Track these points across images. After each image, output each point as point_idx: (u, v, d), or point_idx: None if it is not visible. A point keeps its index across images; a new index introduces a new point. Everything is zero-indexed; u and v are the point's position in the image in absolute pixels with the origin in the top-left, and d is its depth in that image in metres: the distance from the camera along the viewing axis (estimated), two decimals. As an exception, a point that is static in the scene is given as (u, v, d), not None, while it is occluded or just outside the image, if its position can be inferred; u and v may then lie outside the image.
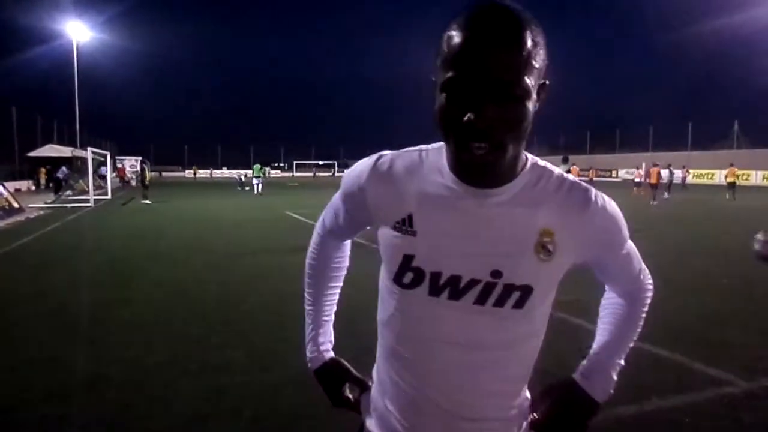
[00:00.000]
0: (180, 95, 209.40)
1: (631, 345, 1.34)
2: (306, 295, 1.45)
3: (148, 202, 24.03)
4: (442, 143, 1.09)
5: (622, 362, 1.32)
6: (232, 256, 10.24)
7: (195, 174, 75.07)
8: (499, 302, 1.04)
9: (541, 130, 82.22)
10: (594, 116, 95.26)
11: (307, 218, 16.72)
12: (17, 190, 28.60)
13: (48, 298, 6.96)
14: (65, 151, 40.27)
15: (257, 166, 33.58)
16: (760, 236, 4.45)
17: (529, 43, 0.93)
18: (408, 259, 1.07)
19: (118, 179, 43.73)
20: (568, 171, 14.62)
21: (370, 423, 1.24)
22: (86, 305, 6.53)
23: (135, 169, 36.11)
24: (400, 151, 1.16)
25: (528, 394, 1.22)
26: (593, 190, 1.10)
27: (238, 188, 37.17)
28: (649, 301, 1.34)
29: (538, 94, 0.99)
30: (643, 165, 30.98)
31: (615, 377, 1.31)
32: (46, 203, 22.94)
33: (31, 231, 14.02)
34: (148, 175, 27.52)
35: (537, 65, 0.95)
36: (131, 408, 3.79)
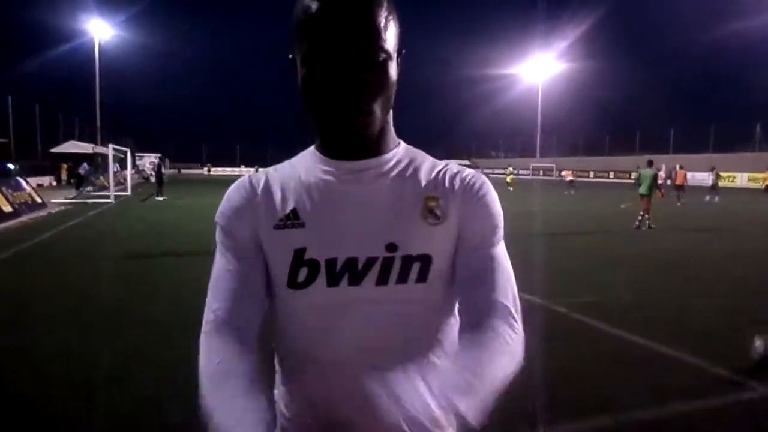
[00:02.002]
0: (200, 93, 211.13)
1: (483, 398, 0.86)
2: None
3: (160, 198, 24.26)
4: (305, 151, 1.09)
5: (486, 392, 0.88)
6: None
7: (209, 171, 76.09)
8: (402, 278, 0.97)
9: (561, 132, 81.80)
10: (613, 118, 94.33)
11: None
12: (39, 186, 29.04)
13: (69, 293, 7.07)
14: (86, 148, 40.83)
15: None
16: (758, 343, 4.51)
17: (384, 6, 0.92)
18: (299, 253, 0.99)
19: (137, 175, 44.26)
20: (655, 175, 14.67)
21: None
22: (107, 301, 6.62)
23: (154, 166, 36.51)
24: (268, 168, 1.13)
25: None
26: (470, 170, 1.07)
27: None
28: (511, 345, 0.95)
29: (398, 61, 0.97)
30: (663, 167, 30.73)
31: (485, 404, 0.87)
32: (67, 199, 23.27)
33: (54, 226, 14.24)
34: (165, 171, 27.76)
35: (394, 28, 0.94)
36: (151, 403, 3.85)
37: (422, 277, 0.98)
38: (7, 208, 15.33)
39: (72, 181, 32.43)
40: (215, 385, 0.96)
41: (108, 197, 23.70)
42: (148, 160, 51.65)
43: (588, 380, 4.13)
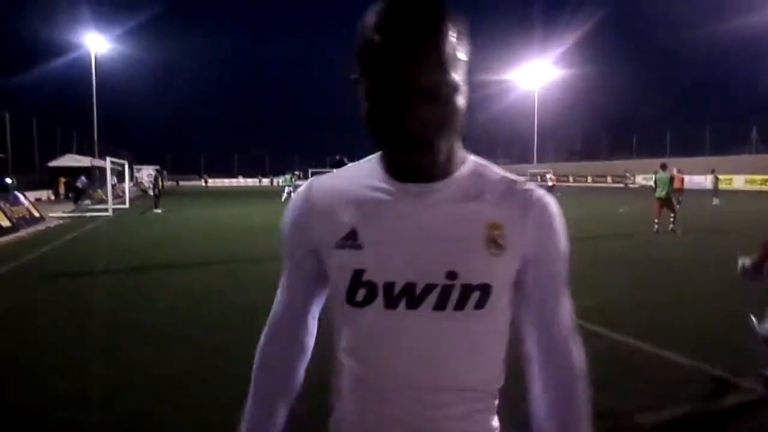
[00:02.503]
0: (197, 105, 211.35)
1: (585, 419, 1.08)
2: (249, 399, 1.24)
3: (158, 211, 24.24)
4: (371, 156, 1.08)
5: None
6: (250, 265, 10.31)
7: (206, 183, 75.99)
8: (460, 305, 0.98)
9: (558, 138, 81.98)
10: (610, 121, 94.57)
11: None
12: (37, 200, 29.02)
13: (68, 306, 7.06)
14: (84, 161, 40.86)
15: (288, 176, 34.15)
16: (746, 261, 4.47)
17: (450, 34, 0.90)
18: (358, 274, 1.00)
19: (135, 188, 44.28)
20: (672, 178, 14.69)
21: None
22: (105, 313, 6.61)
23: (151, 179, 36.60)
24: (330, 173, 1.13)
25: (498, 427, 1.10)
26: (535, 186, 1.06)
27: (285, 196, 33.83)
28: (585, 385, 1.08)
29: (467, 85, 0.96)
30: (675, 171, 30.97)
31: None
32: (65, 212, 23.26)
33: (52, 240, 14.23)
34: (163, 184, 27.73)
35: (463, 57, 0.93)
36: (151, 416, 3.84)
37: (480, 305, 0.99)
38: (6, 223, 15.32)
39: (70, 194, 32.42)
40: (252, 384, 1.23)
41: (106, 210, 23.69)
42: (146, 173, 51.65)
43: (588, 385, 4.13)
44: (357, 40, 0.93)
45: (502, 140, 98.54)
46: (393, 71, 0.87)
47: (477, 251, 0.98)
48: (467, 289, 0.98)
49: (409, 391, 1.00)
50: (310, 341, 1.23)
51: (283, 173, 34.44)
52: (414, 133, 0.90)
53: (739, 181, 45.80)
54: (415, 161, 0.95)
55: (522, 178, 1.07)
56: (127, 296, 7.67)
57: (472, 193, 1.01)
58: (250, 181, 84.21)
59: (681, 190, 26.50)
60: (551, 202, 1.05)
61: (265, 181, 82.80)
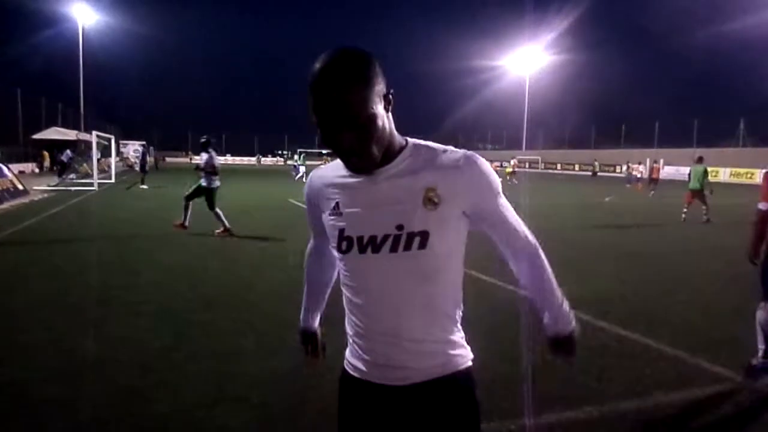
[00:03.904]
0: (185, 80, 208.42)
1: (554, 283, 1.63)
2: (305, 283, 1.94)
3: (144, 187, 24.05)
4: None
5: (559, 297, 1.64)
6: (236, 243, 10.29)
7: (191, 160, 75.28)
8: (407, 247, 1.40)
9: (546, 125, 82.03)
10: (599, 111, 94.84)
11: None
12: (21, 173, 28.63)
13: (53, 280, 7.01)
14: (70, 134, 40.32)
15: (301, 156, 34.56)
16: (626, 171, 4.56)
17: (364, 79, 1.31)
18: (341, 232, 1.47)
19: (121, 163, 43.80)
20: (705, 171, 15.05)
21: (346, 358, 1.60)
22: (92, 288, 6.58)
23: (138, 154, 36.16)
24: (324, 165, 1.62)
25: (463, 342, 1.54)
26: (466, 151, 1.44)
27: (294, 176, 35.90)
28: (542, 255, 1.61)
29: (386, 103, 1.38)
30: (648, 161, 31.61)
31: (566, 308, 1.66)
32: (50, 186, 23.00)
33: (36, 213, 14.07)
34: (150, 160, 27.50)
35: (376, 89, 1.33)
36: (139, 392, 3.84)
37: (422, 245, 1.40)
38: (-11, 195, 15.11)
39: (55, 168, 32.02)
40: (305, 273, 1.92)
41: (91, 185, 23.46)
42: (132, 148, 51.11)
43: (574, 372, 4.21)
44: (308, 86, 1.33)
45: (492, 126, 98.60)
46: (320, 108, 1.31)
47: (417, 209, 1.40)
48: (411, 236, 1.40)
49: (382, 309, 1.46)
50: (334, 260, 1.71)
51: (297, 153, 35.56)
52: (342, 150, 1.35)
53: (725, 174, 46.21)
54: (355, 165, 1.40)
55: (450, 147, 1.47)
56: (113, 271, 7.62)
57: (411, 168, 1.42)
58: (238, 160, 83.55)
59: (656, 180, 28.09)
60: (474, 158, 1.43)
61: (265, 160, 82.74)
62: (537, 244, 1.60)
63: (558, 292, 1.63)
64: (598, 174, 50.04)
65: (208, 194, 11.16)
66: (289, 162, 53.93)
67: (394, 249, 1.41)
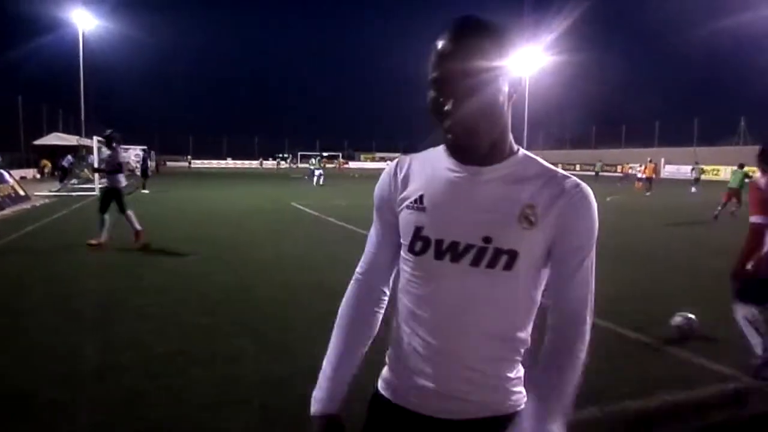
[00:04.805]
0: (186, 85, 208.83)
1: (574, 383, 1.24)
2: (332, 338, 1.47)
3: (146, 191, 24.04)
4: (440, 146, 1.35)
5: (564, 405, 1.24)
6: (238, 246, 10.29)
7: (190, 164, 75.23)
8: (491, 264, 1.22)
9: (547, 125, 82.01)
10: (599, 111, 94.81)
11: (311, 209, 16.79)
12: (23, 178, 28.70)
13: (56, 286, 7.02)
14: (70, 140, 40.35)
15: (316, 160, 34.71)
16: (678, 319, 4.76)
17: (500, 42, 1.19)
18: (418, 230, 1.29)
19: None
20: (746, 174, 16.22)
21: (385, 381, 1.40)
22: (95, 293, 6.60)
23: (139, 159, 36.14)
24: (413, 154, 1.42)
25: (522, 380, 1.33)
26: (577, 179, 1.25)
27: (306, 178, 37.24)
28: (586, 341, 1.27)
29: (511, 92, 1.24)
30: (648, 161, 32.03)
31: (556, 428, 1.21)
32: (51, 191, 23.03)
33: (38, 219, 14.09)
34: (151, 164, 27.55)
35: (507, 63, 1.20)
36: (142, 396, 3.84)
37: (508, 266, 1.22)
38: (-10, 201, 15.15)
39: (56, 173, 32.07)
40: (337, 323, 1.46)
41: (93, 190, 23.47)
42: (133, 153, 51.15)
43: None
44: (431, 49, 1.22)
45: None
46: (444, 65, 1.18)
47: (511, 224, 1.22)
48: (498, 252, 1.22)
49: (450, 326, 1.26)
50: (386, 295, 1.48)
51: (313, 158, 36.04)
52: (451, 109, 1.18)
53: (725, 172, 46.14)
54: (458, 140, 1.23)
55: (562, 171, 1.28)
56: (117, 276, 7.64)
57: (515, 177, 1.25)
58: (239, 164, 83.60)
59: (652, 179, 28.86)
60: (584, 190, 1.24)
61: (267, 163, 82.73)
62: (590, 327, 1.28)
63: (568, 398, 1.24)
64: (600, 174, 50.09)
65: (116, 196, 10.13)
66: (305, 165, 54.22)
67: (476, 263, 1.23)
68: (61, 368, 4.30)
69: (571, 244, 1.24)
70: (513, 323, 1.28)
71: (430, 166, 1.33)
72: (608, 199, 23.49)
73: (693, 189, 29.62)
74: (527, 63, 76.81)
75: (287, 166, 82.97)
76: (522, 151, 1.29)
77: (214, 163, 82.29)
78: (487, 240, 1.22)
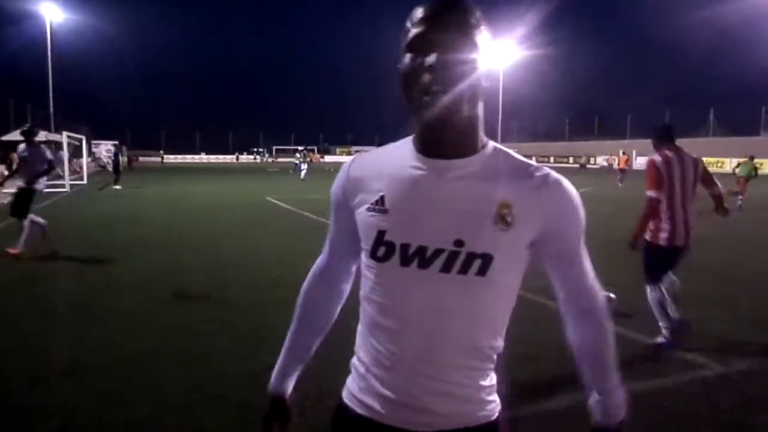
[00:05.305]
0: (157, 79, 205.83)
1: (613, 357, 1.30)
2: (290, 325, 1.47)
3: (118, 187, 23.68)
4: (405, 139, 1.24)
5: (616, 378, 1.30)
6: (212, 242, 10.18)
7: (162, 159, 74.07)
8: (463, 270, 1.12)
9: (521, 118, 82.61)
10: (573, 104, 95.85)
11: (286, 204, 16.70)
12: (-10, 175, 27.98)
13: (27, 285, 6.87)
14: (39, 136, 39.51)
15: (301, 154, 34.68)
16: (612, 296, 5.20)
17: (477, 22, 1.12)
18: (381, 234, 1.17)
19: (93, 164, 43.12)
20: (755, 166, 18.30)
21: (350, 392, 1.30)
22: (67, 292, 6.47)
23: (110, 154, 35.58)
24: (371, 151, 1.31)
25: (495, 389, 1.27)
26: (554, 172, 1.17)
27: (291, 171, 38.64)
28: (608, 315, 1.29)
29: (485, 76, 1.14)
30: (621, 153, 32.78)
31: (620, 394, 1.30)
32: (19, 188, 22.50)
33: (4, 217, 13.77)
34: (123, 160, 27.13)
35: (484, 43, 1.13)
36: (115, 396, 3.78)
37: (482, 271, 1.12)
38: (-44, 199, 14.73)
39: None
40: (295, 316, 1.45)
41: (63, 186, 23.04)
42: (105, 148, 50.27)
43: (549, 362, 4.21)
44: (404, 30, 1.14)
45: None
46: (426, 28, 1.09)
47: (485, 225, 1.12)
48: (471, 256, 1.12)
49: (418, 337, 1.17)
50: (346, 288, 1.45)
51: (298, 152, 36.07)
52: (428, 83, 1.07)
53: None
54: (438, 110, 1.09)
55: (536, 164, 1.19)
56: (87, 275, 7.50)
57: (489, 173, 1.15)
58: (213, 159, 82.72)
59: (625, 171, 30.05)
60: (565, 182, 1.18)
61: (243, 158, 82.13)
62: (605, 301, 1.29)
63: (615, 369, 1.29)
64: (588, 167, 50.40)
65: (30, 198, 8.90)
66: (283, 159, 53.86)
67: (446, 269, 1.12)
68: (34, 370, 4.21)
69: (564, 242, 1.19)
70: (487, 332, 1.20)
71: (392, 163, 1.21)
72: (582, 190, 23.80)
73: None
74: (501, 57, 77.39)
75: (265, 160, 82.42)
76: (492, 144, 1.20)
77: (188, 158, 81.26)
78: (458, 243, 1.12)
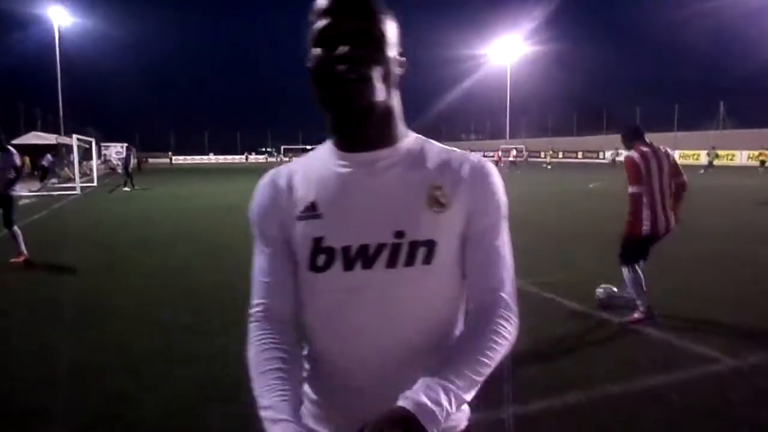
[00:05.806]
0: (166, 81, 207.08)
1: (487, 370, 1.05)
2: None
3: (128, 189, 23.83)
4: (323, 144, 1.20)
5: (465, 392, 1.01)
6: (221, 243, 10.20)
7: (171, 160, 74.41)
8: (409, 261, 1.07)
9: (529, 113, 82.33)
10: (580, 98, 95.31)
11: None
12: (1, 179, 28.19)
13: (37, 286, 6.92)
14: (49, 139, 39.81)
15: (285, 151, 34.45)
16: (599, 291, 5.56)
17: (383, 8, 1.08)
18: (318, 241, 1.10)
19: (103, 166, 43.42)
20: None
21: (312, 416, 1.18)
22: (76, 294, 6.50)
23: (121, 156, 35.76)
24: (294, 160, 1.26)
25: None
26: (478, 157, 1.16)
27: None
28: (507, 336, 1.08)
29: (398, 61, 1.12)
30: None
31: (453, 402, 0.97)
32: (31, 191, 22.71)
33: (18, 219, 13.86)
34: (132, 161, 27.29)
35: (393, 29, 1.10)
36: (123, 396, 3.80)
37: (428, 260, 1.08)
38: (-32, 203, 14.87)
39: (35, 173, 31.62)
40: (258, 373, 1.13)
41: (74, 189, 23.20)
42: (114, 150, 50.60)
43: (559, 357, 4.21)
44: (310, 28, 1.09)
45: (475, 116, 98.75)
46: (333, 19, 1.05)
47: (421, 210, 1.08)
48: (414, 246, 1.07)
49: (373, 354, 1.09)
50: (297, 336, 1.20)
51: (304, 150, 35.96)
52: (342, 71, 1.02)
53: (705, 157, 46.67)
54: (350, 93, 1.04)
55: (460, 150, 1.17)
56: (97, 276, 7.55)
57: (414, 160, 1.13)
58: (222, 159, 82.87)
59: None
60: (485, 165, 1.14)
61: (252, 158, 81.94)
62: (515, 313, 1.12)
63: (475, 382, 1.03)
64: (617, 161, 50.39)
65: (8, 204, 8.65)
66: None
67: (392, 263, 1.06)
68: (40, 371, 4.24)
69: (482, 224, 1.11)
70: (444, 322, 1.13)
71: (315, 168, 1.16)
72: (591, 186, 23.64)
73: (701, 171, 31.36)
74: (508, 53, 77.12)
75: (275, 159, 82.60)
76: (413, 134, 1.18)
77: (197, 159, 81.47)
78: (399, 235, 1.07)
